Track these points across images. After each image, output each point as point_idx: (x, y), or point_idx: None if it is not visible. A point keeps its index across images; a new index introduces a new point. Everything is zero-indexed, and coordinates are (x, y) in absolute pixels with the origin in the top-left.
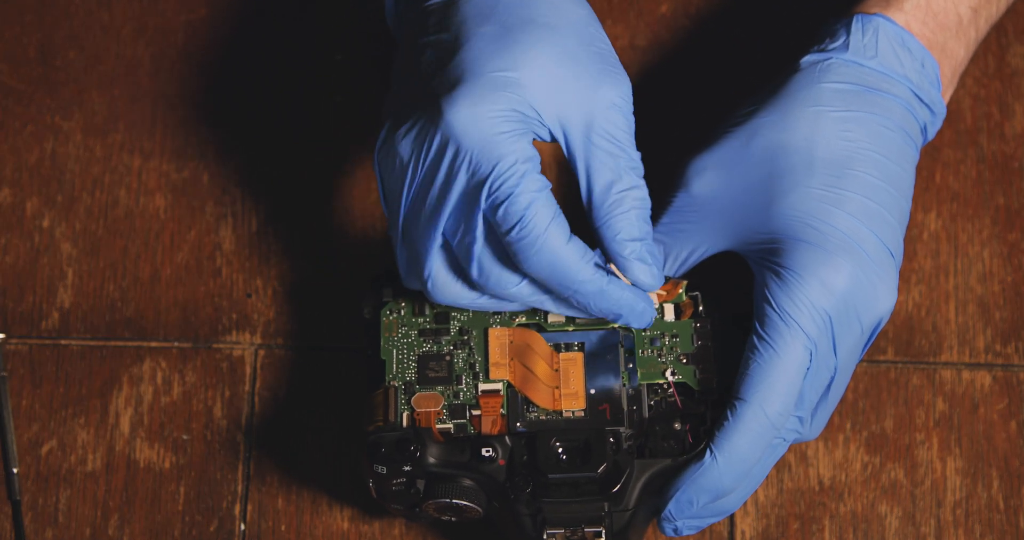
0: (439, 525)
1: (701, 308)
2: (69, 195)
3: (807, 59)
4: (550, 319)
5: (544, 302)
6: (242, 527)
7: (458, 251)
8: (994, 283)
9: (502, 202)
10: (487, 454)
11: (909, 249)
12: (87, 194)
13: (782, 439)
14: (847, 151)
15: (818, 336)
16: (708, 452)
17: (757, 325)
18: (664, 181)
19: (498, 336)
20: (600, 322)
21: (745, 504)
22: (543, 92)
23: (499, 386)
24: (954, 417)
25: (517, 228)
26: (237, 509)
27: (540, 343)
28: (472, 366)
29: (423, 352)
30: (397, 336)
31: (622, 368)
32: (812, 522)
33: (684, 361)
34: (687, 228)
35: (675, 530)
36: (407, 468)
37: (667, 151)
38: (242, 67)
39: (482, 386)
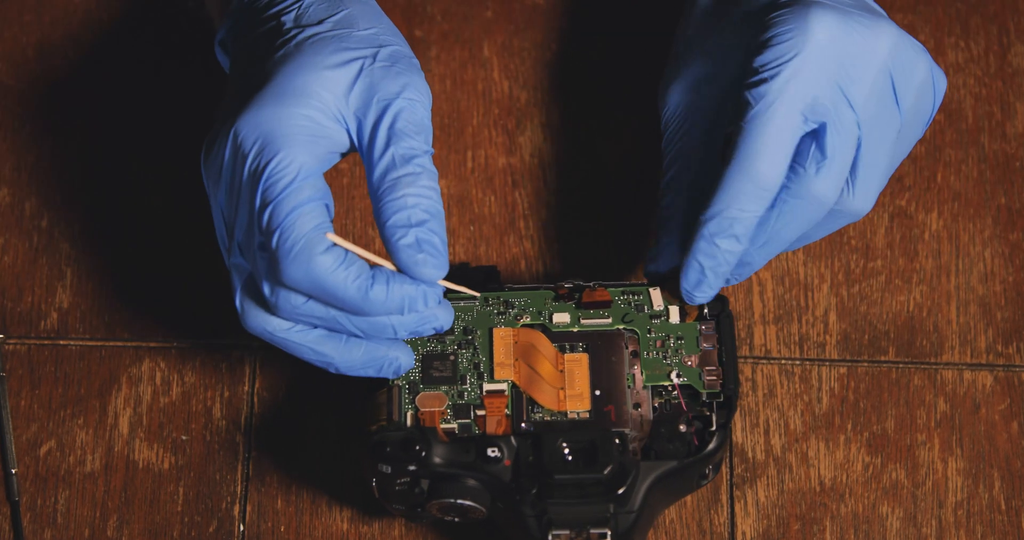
0: (440, 526)
1: (706, 310)
2: (68, 195)
3: None
4: (555, 320)
5: (342, 324)
6: (241, 528)
7: (253, 269)
8: (995, 283)
9: (266, 207)
10: (493, 454)
11: (910, 249)
12: (86, 194)
13: (800, 208)
14: None
15: (811, 88)
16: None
17: (744, 93)
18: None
19: (503, 336)
20: (606, 321)
21: (746, 505)
22: (333, 96)
23: (504, 386)
24: (955, 418)
25: (276, 237)
26: (236, 510)
27: (545, 344)
28: (477, 366)
29: (427, 351)
30: None
31: (627, 370)
32: (813, 523)
33: (689, 363)
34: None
35: (691, 299)
36: (412, 468)
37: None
38: None
39: (486, 386)
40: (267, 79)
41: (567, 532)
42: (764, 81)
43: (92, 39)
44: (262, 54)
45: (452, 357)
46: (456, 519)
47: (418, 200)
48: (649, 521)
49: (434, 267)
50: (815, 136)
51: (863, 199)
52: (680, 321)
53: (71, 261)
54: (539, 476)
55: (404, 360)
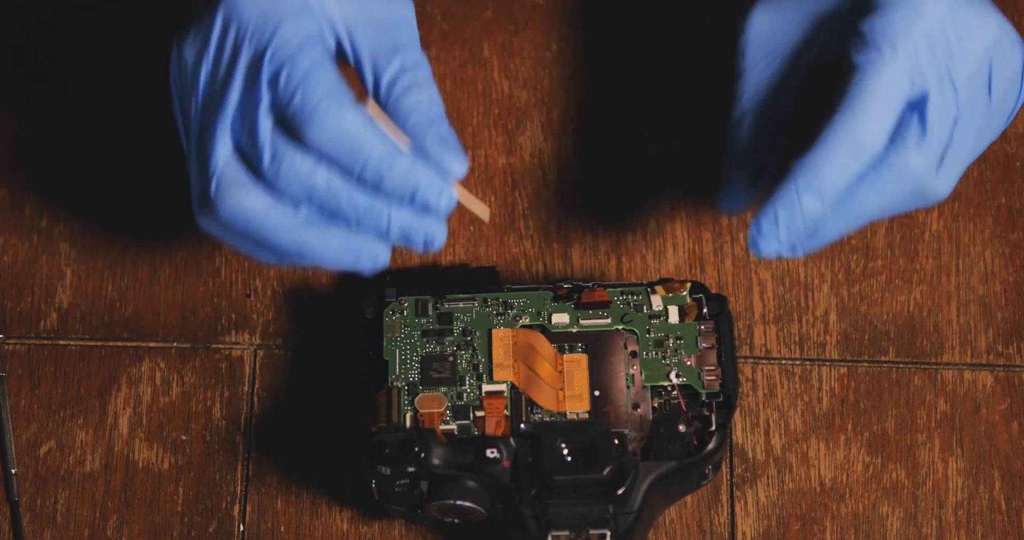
0: (440, 527)
1: (705, 310)
2: (68, 195)
3: None
4: (554, 321)
5: (339, 200)
6: (241, 528)
7: (247, 145)
8: (996, 283)
9: (281, 68)
10: (492, 455)
11: (911, 249)
12: (85, 194)
13: (891, 178)
14: None
15: (919, 61)
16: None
17: (850, 51)
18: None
19: (502, 337)
20: (605, 321)
21: (746, 505)
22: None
23: (503, 387)
24: (956, 418)
25: (299, 93)
26: (236, 510)
27: (544, 345)
28: (476, 367)
29: (426, 353)
30: (400, 337)
31: (626, 370)
32: (813, 523)
33: (688, 363)
34: (768, 58)
35: (756, 246)
36: (411, 469)
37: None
38: None
39: (486, 387)
40: None
41: (567, 533)
42: (875, 47)
43: (92, 39)
44: None
45: (451, 358)
46: (456, 520)
47: (431, 105)
48: (649, 521)
49: (460, 162)
50: (916, 110)
51: (946, 182)
52: (679, 321)
53: (71, 261)
54: (538, 477)
55: (383, 254)
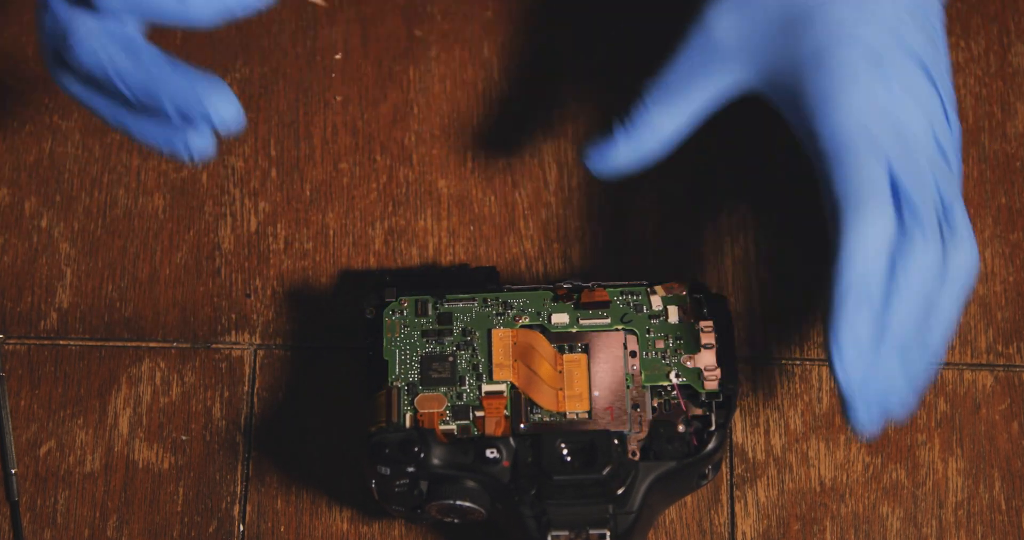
0: (439, 527)
1: (705, 310)
2: (67, 195)
3: None
4: (554, 321)
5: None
6: (241, 528)
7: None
8: (996, 283)
9: None
10: (491, 456)
11: None
12: (85, 194)
13: (913, 267)
14: None
15: (882, 140)
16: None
17: (814, 144)
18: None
19: (501, 337)
20: (605, 321)
21: (746, 505)
22: None
23: (503, 387)
24: (956, 418)
25: None
26: (236, 510)
27: (544, 345)
28: (475, 367)
29: (426, 353)
30: (399, 337)
31: (626, 370)
32: (813, 523)
33: (688, 363)
34: (705, 73)
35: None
36: (411, 469)
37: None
38: (240, 67)
39: (485, 387)
40: None
41: (566, 533)
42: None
43: None
44: None
45: (451, 358)
46: (456, 520)
47: None
48: (649, 521)
49: None
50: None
51: (965, 242)
52: (679, 321)
53: (71, 261)
54: (538, 477)
55: (198, 142)
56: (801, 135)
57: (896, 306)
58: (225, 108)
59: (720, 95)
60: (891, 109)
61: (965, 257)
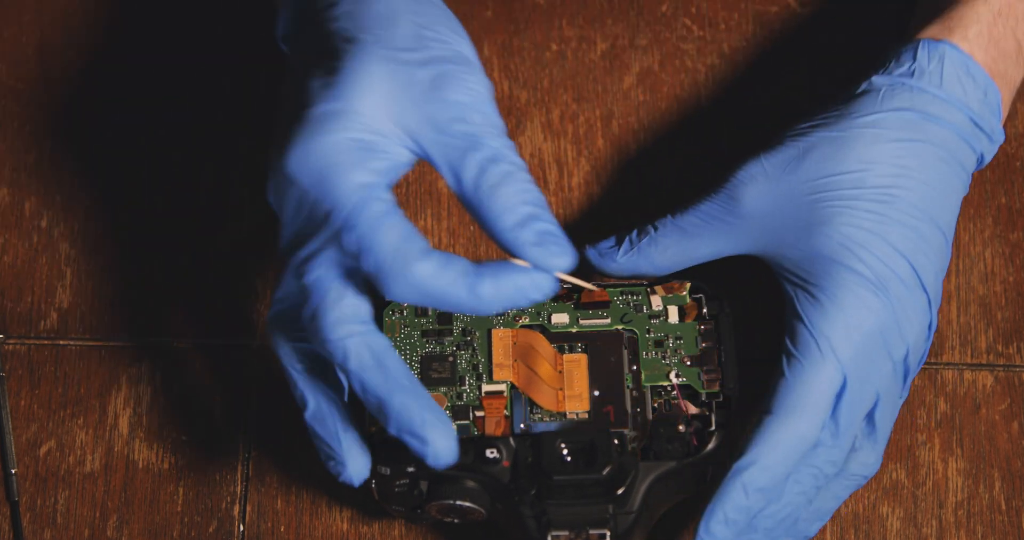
0: (439, 527)
1: (705, 310)
2: (67, 195)
3: (873, 81)
4: (554, 321)
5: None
6: (241, 528)
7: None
8: (996, 283)
9: (349, 232)
10: (491, 456)
11: None
12: (85, 194)
13: (817, 469)
14: (898, 179)
15: (850, 360)
16: (733, 466)
17: (788, 341)
18: (677, 177)
19: (501, 337)
20: (605, 321)
21: None
22: (377, 113)
23: (503, 387)
24: (956, 418)
25: (370, 256)
26: (236, 510)
27: (544, 344)
28: (475, 367)
29: (426, 353)
30: (400, 337)
31: (626, 370)
32: None
33: (688, 363)
34: (718, 229)
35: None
36: (411, 469)
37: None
38: (240, 66)
39: (485, 387)
40: (310, 100)
41: (566, 533)
42: (814, 348)
43: (92, 39)
44: (309, 63)
45: (451, 358)
46: (455, 520)
47: (524, 196)
48: (649, 521)
49: (562, 255)
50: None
51: (869, 465)
52: (679, 321)
53: (71, 261)
54: (538, 477)
55: (356, 471)
56: (785, 315)
57: (782, 499)
58: (442, 446)
59: (724, 251)
60: (874, 336)
61: (868, 465)
